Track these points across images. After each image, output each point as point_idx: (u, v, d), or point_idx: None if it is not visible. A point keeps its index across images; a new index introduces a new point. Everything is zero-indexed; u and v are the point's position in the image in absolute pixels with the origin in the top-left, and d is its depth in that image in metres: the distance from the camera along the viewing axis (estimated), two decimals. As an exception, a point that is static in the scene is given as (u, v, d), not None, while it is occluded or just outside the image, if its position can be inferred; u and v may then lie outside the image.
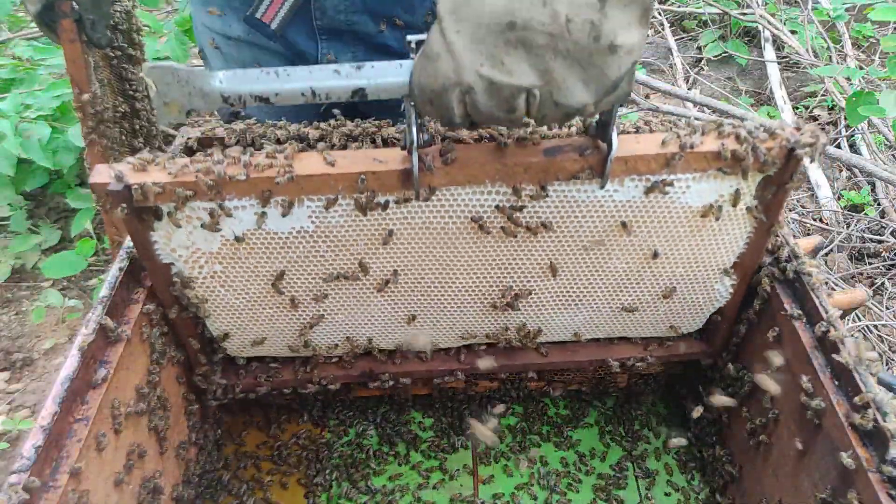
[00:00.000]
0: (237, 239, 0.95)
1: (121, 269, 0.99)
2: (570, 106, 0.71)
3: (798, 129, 0.91)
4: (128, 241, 1.01)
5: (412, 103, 0.77)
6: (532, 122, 0.73)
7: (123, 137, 1.39)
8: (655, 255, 1.01)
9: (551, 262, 1.03)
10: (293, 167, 0.88)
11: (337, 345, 1.17)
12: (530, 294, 1.08)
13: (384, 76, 0.76)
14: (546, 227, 0.96)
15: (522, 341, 1.18)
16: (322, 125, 1.09)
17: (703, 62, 4.03)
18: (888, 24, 3.78)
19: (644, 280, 1.07)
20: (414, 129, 0.81)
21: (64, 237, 2.77)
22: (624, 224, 0.96)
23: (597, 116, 0.84)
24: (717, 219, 0.97)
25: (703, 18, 4.24)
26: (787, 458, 1.02)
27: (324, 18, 1.24)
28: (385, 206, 0.92)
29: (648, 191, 0.92)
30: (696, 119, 1.27)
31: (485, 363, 1.19)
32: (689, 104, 3.10)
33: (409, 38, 0.78)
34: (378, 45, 1.28)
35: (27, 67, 2.64)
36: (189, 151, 1.21)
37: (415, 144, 0.82)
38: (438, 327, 1.15)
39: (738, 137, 0.90)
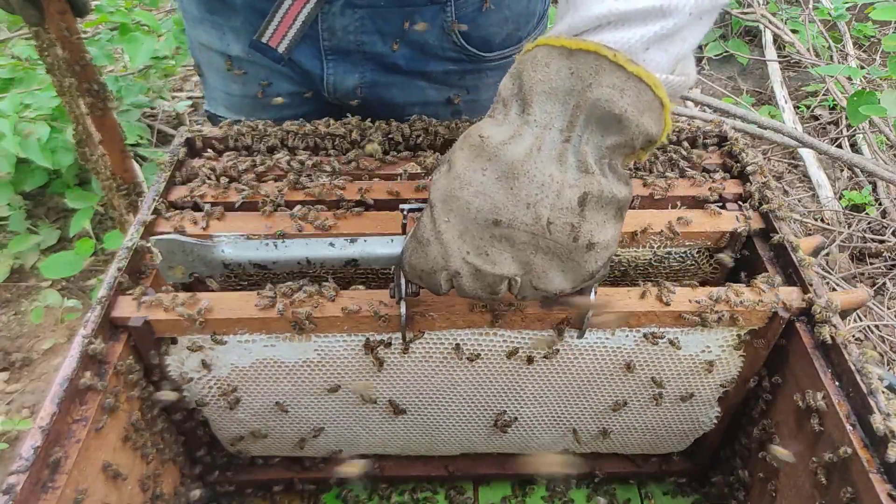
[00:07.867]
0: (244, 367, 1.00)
1: (119, 268, 0.98)
2: (548, 291, 0.75)
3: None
4: (127, 241, 1.01)
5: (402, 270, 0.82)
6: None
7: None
8: (645, 392, 1.08)
9: (539, 394, 1.08)
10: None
11: (338, 450, 1.22)
12: (520, 419, 1.14)
13: (375, 249, 0.81)
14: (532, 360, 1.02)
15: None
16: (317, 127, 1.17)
17: (703, 61, 4.03)
18: (889, 24, 3.78)
19: (634, 409, 1.13)
20: (403, 284, 0.86)
21: (63, 237, 2.77)
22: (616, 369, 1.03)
23: None
24: (708, 371, 1.03)
25: (704, 18, 4.23)
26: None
27: (332, 39, 1.20)
28: (388, 343, 0.98)
29: (639, 341, 0.99)
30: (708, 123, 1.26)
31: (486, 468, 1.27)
32: (690, 104, 3.09)
33: (402, 206, 0.88)
34: (388, 65, 1.24)
35: (26, 67, 2.64)
36: (191, 149, 1.20)
37: (403, 297, 0.88)
38: (437, 441, 1.20)
39: (716, 301, 0.94)
